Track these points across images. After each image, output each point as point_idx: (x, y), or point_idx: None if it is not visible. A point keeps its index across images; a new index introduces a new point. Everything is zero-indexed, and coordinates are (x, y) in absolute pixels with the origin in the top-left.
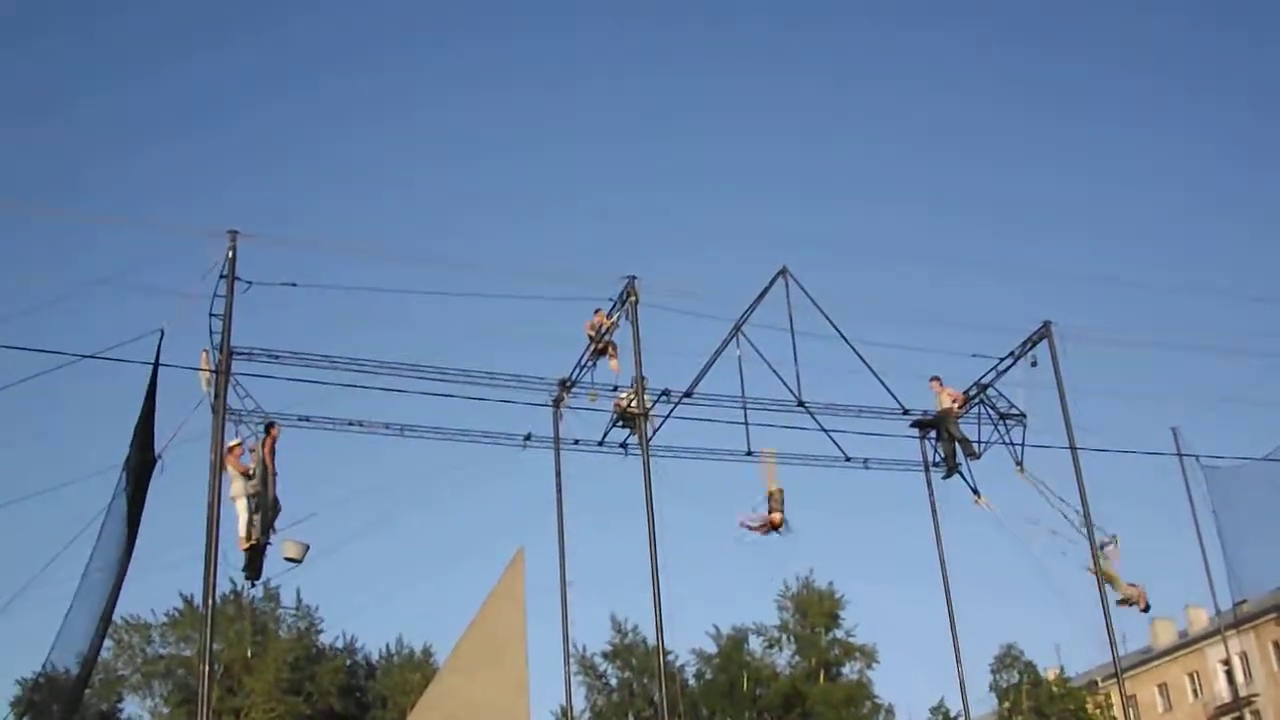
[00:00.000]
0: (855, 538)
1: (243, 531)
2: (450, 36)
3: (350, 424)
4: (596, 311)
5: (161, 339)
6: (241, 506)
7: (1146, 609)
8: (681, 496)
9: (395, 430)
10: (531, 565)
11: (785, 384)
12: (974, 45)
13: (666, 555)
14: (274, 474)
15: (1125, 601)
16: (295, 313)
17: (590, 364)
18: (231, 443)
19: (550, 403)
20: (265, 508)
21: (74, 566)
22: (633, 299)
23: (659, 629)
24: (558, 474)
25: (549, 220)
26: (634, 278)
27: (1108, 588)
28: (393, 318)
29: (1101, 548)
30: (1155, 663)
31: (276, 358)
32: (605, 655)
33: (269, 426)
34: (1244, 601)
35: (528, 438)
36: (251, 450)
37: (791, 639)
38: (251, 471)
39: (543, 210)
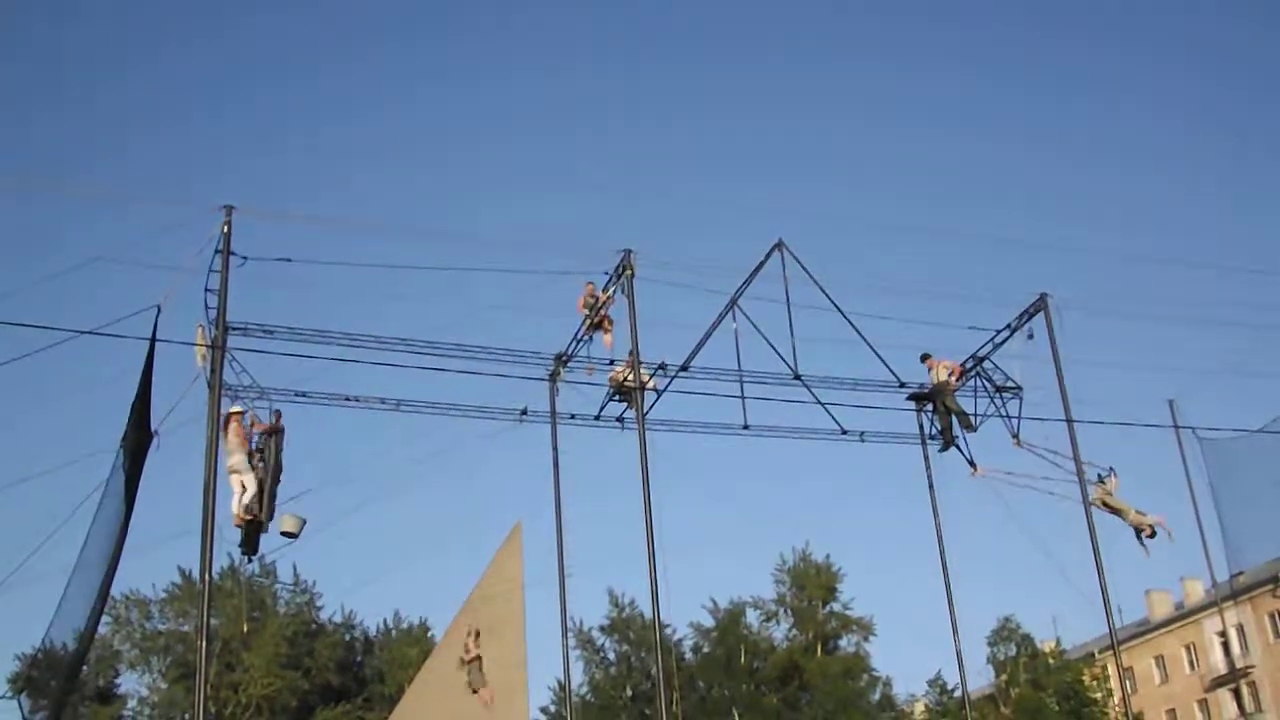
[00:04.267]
0: (852, 511)
1: (237, 507)
2: (449, 22)
3: (346, 399)
4: (587, 285)
5: (158, 315)
6: (236, 481)
7: (1154, 534)
8: (678, 470)
9: (391, 405)
10: (529, 539)
11: (781, 357)
12: (970, 23)
13: (663, 529)
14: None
15: (1143, 531)
16: (291, 288)
17: (586, 338)
18: (234, 409)
19: (546, 377)
20: (264, 486)
21: (71, 543)
22: (629, 273)
23: (656, 603)
24: (554, 448)
25: (545, 196)
26: (630, 251)
27: (1122, 522)
28: (389, 293)
29: (1100, 480)
30: (1152, 635)
31: (272, 333)
32: (603, 629)
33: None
34: (1240, 574)
35: (524, 412)
36: (254, 424)
37: (789, 612)
38: (253, 449)
39: (539, 186)
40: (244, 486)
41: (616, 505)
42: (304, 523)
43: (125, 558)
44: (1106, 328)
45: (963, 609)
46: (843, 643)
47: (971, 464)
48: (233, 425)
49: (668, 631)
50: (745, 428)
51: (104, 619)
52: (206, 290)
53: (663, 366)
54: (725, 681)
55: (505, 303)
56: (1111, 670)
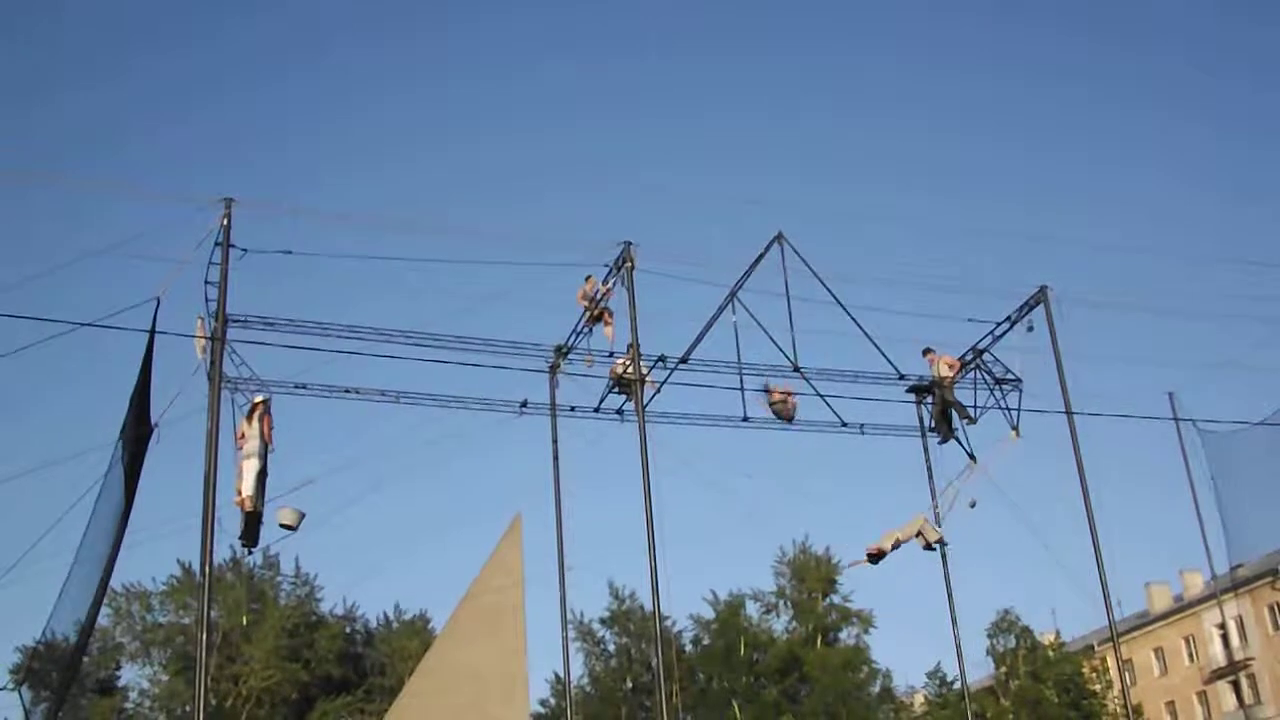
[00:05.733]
0: (852, 503)
1: (249, 490)
2: (450, 16)
3: (346, 391)
4: (588, 278)
5: (158, 307)
6: (249, 467)
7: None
8: (678, 462)
9: (391, 397)
10: (529, 531)
11: (781, 350)
12: (970, 17)
13: (663, 521)
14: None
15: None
16: (291, 281)
17: (586, 330)
18: (261, 398)
19: (546, 369)
20: (263, 476)
21: (72, 535)
22: (628, 265)
23: (655, 595)
24: (554, 440)
25: (545, 189)
26: (630, 243)
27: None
28: (389, 285)
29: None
30: (1151, 627)
31: (272, 325)
32: (603, 621)
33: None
34: (1240, 566)
35: (524, 404)
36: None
37: (788, 604)
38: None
39: (539, 179)
40: (243, 474)
41: (616, 497)
42: (302, 516)
43: (125, 550)
44: (1107, 320)
45: (962, 601)
46: (843, 635)
47: (971, 457)
48: (258, 412)
49: (667, 623)
50: (745, 420)
51: (104, 611)
52: (206, 282)
53: (662, 359)
54: (725, 673)
55: (505, 295)
56: (1111, 662)
